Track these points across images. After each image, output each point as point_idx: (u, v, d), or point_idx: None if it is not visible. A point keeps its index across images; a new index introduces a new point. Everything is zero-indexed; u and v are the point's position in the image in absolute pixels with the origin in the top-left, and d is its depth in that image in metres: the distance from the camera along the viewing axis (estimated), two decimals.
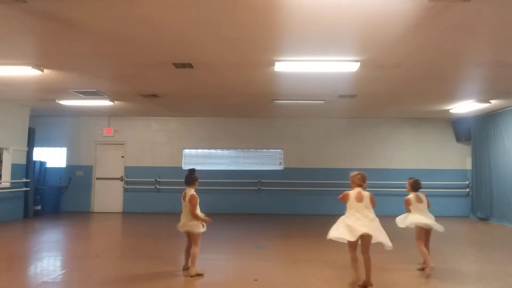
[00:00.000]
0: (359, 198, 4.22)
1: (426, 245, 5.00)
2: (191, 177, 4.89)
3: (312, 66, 5.92)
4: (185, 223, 4.74)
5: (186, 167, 11.38)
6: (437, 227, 5.01)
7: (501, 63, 5.81)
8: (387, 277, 4.76)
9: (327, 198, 10.68)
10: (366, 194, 4.26)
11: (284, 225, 9.28)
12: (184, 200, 4.78)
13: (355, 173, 4.43)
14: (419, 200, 5.16)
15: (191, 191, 4.77)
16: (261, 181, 11.43)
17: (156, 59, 5.84)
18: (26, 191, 10.04)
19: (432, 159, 11.35)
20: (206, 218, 4.72)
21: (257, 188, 11.44)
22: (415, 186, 5.28)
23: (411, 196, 5.20)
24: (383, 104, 9.38)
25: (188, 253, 4.82)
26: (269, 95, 8.42)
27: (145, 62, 6.00)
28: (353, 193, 4.29)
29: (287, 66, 5.96)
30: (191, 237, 4.77)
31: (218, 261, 5.62)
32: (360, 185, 4.32)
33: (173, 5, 3.99)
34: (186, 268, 4.81)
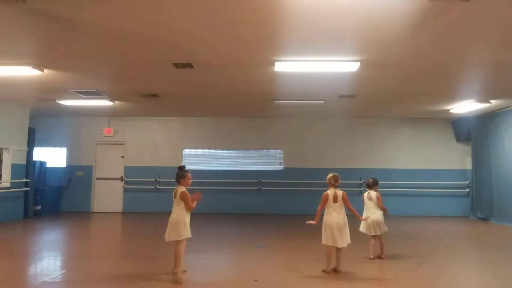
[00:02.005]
0: (335, 199, 4.84)
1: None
2: (177, 175, 4.73)
3: (312, 66, 5.92)
4: (174, 224, 4.56)
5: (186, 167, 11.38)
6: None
7: (501, 63, 5.82)
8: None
9: None
10: (339, 193, 4.88)
11: (284, 225, 9.28)
12: (175, 198, 4.65)
13: (330, 175, 5.00)
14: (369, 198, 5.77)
15: (181, 189, 4.64)
16: (261, 181, 11.43)
17: (156, 59, 5.84)
18: (26, 191, 10.04)
19: (432, 159, 11.35)
20: (196, 196, 4.67)
21: (257, 188, 11.44)
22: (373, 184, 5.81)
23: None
24: (383, 104, 9.38)
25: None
26: (269, 95, 8.42)
27: (145, 62, 6.00)
28: (330, 193, 4.88)
29: (287, 66, 5.95)
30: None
31: (218, 261, 5.62)
32: (333, 185, 4.92)
33: (173, 5, 3.99)
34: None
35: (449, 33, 4.66)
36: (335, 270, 4.89)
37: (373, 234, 5.59)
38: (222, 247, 6.58)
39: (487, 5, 3.89)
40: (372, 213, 5.60)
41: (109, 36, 4.89)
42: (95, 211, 11.52)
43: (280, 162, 11.66)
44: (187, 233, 4.56)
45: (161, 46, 5.28)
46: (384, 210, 5.63)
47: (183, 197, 4.57)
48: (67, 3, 3.93)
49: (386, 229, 5.59)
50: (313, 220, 4.88)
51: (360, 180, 11.01)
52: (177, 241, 4.56)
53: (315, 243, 6.51)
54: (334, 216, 4.79)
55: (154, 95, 8.52)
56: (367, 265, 5.31)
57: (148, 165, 11.56)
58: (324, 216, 4.89)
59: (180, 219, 4.56)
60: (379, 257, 5.60)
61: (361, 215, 5.62)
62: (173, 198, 4.70)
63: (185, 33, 4.76)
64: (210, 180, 11.21)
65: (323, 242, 4.85)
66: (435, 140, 11.48)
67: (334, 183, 4.92)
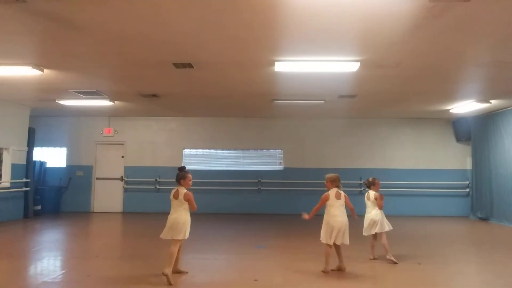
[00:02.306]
0: (338, 196, 4.87)
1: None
2: (177, 175, 4.70)
3: (312, 66, 5.92)
4: (174, 224, 4.53)
5: (186, 167, 11.36)
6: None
7: (501, 63, 5.81)
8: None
9: None
10: (342, 192, 4.91)
11: (284, 225, 9.28)
12: (176, 199, 4.59)
13: (331, 175, 5.01)
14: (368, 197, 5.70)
15: (183, 189, 4.62)
16: (261, 181, 11.43)
17: (156, 59, 5.84)
18: (26, 191, 10.04)
19: (432, 159, 11.35)
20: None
21: (257, 188, 11.44)
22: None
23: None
24: (383, 104, 9.38)
25: (178, 256, 4.68)
26: (269, 95, 8.42)
27: (145, 62, 6.00)
28: (331, 192, 4.88)
29: (287, 66, 5.95)
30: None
31: (218, 261, 5.62)
32: (337, 186, 4.93)
33: (172, 5, 3.99)
34: (176, 271, 4.71)
35: (449, 33, 4.67)
36: (340, 269, 4.89)
37: (364, 234, 5.56)
38: (222, 247, 6.57)
39: (487, 5, 3.89)
40: (367, 212, 5.59)
41: (109, 36, 4.89)
42: (95, 211, 11.52)
43: (280, 162, 11.66)
44: (182, 234, 4.53)
45: (161, 46, 5.28)
46: (380, 206, 5.49)
47: (187, 198, 4.56)
48: (67, 3, 3.93)
49: (386, 229, 5.48)
50: (308, 214, 4.92)
51: (360, 180, 11.01)
52: (173, 240, 4.52)
53: (315, 243, 6.51)
54: (337, 214, 4.79)
55: (154, 95, 8.52)
56: (367, 265, 5.31)
57: (148, 165, 11.56)
58: (326, 215, 4.88)
59: (181, 220, 4.54)
60: (390, 259, 5.33)
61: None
62: (172, 199, 4.65)
63: (185, 33, 4.76)
64: (210, 180, 11.21)
65: (322, 240, 4.85)
66: (435, 140, 11.48)
67: (338, 184, 4.93)
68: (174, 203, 4.64)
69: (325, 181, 5.02)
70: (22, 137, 10.03)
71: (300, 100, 8.81)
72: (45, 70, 6.43)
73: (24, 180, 10.00)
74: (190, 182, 4.73)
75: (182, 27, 4.58)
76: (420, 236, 7.75)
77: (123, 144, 11.76)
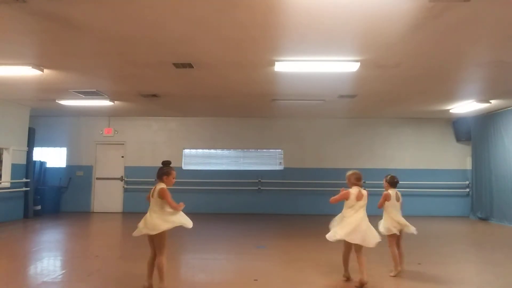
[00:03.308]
0: (359, 197, 4.34)
1: (399, 246, 4.91)
2: (161, 170, 4.03)
3: (312, 66, 5.92)
4: (145, 224, 3.90)
5: (186, 167, 11.39)
6: (411, 229, 4.88)
7: (501, 63, 5.81)
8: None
9: (327, 198, 10.59)
10: (364, 192, 4.40)
11: (284, 225, 9.28)
12: (152, 197, 3.93)
13: (351, 172, 4.51)
14: (397, 198, 4.93)
15: (160, 185, 3.93)
16: (261, 181, 11.43)
17: (156, 59, 5.84)
18: (26, 191, 10.04)
19: (432, 159, 11.35)
20: (179, 205, 3.96)
21: (257, 188, 11.43)
22: (393, 182, 4.96)
23: (391, 191, 4.92)
24: (383, 104, 9.38)
25: (151, 267, 3.99)
26: (269, 95, 8.41)
27: (145, 62, 6.00)
28: (353, 191, 4.38)
29: (287, 66, 5.95)
30: (155, 244, 3.95)
31: (218, 261, 5.62)
32: (357, 184, 4.43)
33: (173, 5, 3.99)
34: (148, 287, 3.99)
35: (449, 33, 4.67)
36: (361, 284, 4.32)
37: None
38: (222, 247, 6.58)
39: (487, 5, 3.89)
40: (396, 215, 4.90)
41: (109, 36, 4.89)
42: (95, 211, 11.51)
43: (280, 162, 11.65)
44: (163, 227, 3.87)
45: (161, 46, 5.28)
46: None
47: (161, 194, 3.87)
48: (67, 3, 3.93)
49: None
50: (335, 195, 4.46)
51: None
52: (159, 250, 3.91)
53: (316, 243, 6.51)
54: (357, 217, 4.29)
55: (154, 95, 8.52)
56: (368, 265, 5.30)
57: (148, 165, 11.54)
58: (345, 218, 4.34)
59: (156, 222, 3.89)
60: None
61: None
62: (150, 198, 3.98)
63: (185, 33, 4.75)
64: (210, 180, 11.20)
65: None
66: (435, 140, 11.48)
67: (359, 182, 4.43)
68: (151, 202, 3.99)
69: (351, 179, 4.49)
70: (22, 137, 10.02)
71: (300, 100, 8.81)
72: (45, 70, 6.43)
73: (24, 180, 9.99)
74: (174, 180, 4.10)
75: (182, 27, 4.58)
76: (420, 236, 7.70)
77: (123, 144, 11.76)
